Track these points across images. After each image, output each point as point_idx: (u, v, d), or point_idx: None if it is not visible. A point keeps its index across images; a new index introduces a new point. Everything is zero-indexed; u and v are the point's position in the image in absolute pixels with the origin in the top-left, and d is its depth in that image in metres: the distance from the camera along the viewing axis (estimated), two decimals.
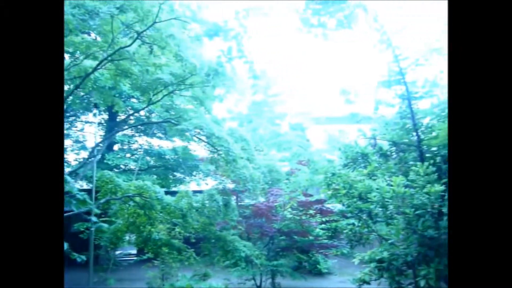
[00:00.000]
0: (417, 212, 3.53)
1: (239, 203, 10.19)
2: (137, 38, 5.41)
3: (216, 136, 5.99)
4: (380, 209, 4.22)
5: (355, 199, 4.52)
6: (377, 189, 3.98)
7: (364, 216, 4.67)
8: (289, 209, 8.80)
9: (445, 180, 3.74)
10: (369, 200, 4.11)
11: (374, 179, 4.38)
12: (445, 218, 3.68)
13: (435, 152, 4.06)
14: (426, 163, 3.56)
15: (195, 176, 14.34)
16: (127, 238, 10.47)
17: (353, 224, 5.03)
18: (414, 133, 4.36)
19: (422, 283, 3.52)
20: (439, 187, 3.27)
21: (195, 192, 8.65)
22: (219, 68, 3.82)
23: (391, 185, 3.62)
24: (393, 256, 4.10)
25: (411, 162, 4.33)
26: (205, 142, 6.64)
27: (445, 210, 3.47)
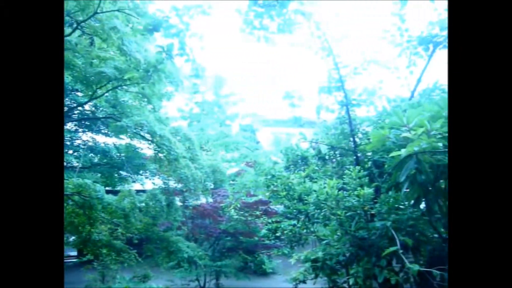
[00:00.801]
0: (348, 213, 3.69)
1: (186, 204, 10.04)
2: (76, 28, 5.13)
3: (158, 134, 5.85)
4: (317, 210, 4.36)
5: (295, 201, 4.63)
6: (314, 191, 4.11)
7: (303, 217, 4.79)
8: (234, 210, 8.82)
9: (376, 183, 3.95)
10: (307, 202, 4.23)
11: (315, 182, 4.52)
12: (375, 219, 3.88)
13: (369, 157, 4.28)
14: (358, 167, 3.74)
15: (141, 175, 13.88)
16: (65, 239, 9.89)
17: (294, 225, 5.16)
18: (351, 139, 4.55)
19: (351, 281, 3.69)
20: (368, 190, 3.45)
21: (139, 191, 8.39)
22: (158, 64, 3.74)
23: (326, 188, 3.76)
24: (327, 256, 4.26)
25: (347, 166, 4.52)
26: (148, 140, 6.45)
27: (374, 211, 3.66)
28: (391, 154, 3.02)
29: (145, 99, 7.13)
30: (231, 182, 9.68)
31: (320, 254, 4.37)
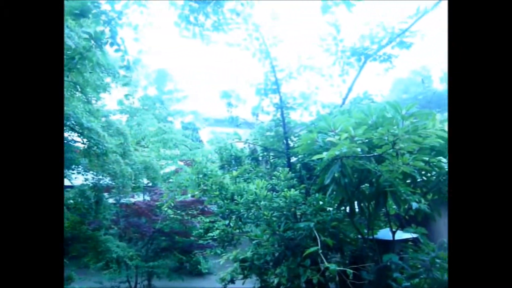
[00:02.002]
0: (275, 214, 3.76)
1: (120, 201, 9.59)
2: None
3: (86, 126, 5.52)
4: (249, 210, 4.38)
5: (227, 201, 4.62)
6: (245, 191, 4.13)
7: (234, 217, 4.80)
8: (169, 209, 8.59)
9: (303, 185, 4.07)
10: (238, 202, 4.24)
11: (249, 182, 4.54)
12: (302, 220, 4.00)
13: (300, 160, 4.41)
14: (287, 169, 3.84)
15: (73, 170, 13.02)
16: None
17: (226, 225, 5.14)
18: (285, 141, 4.65)
19: (276, 281, 3.76)
20: (295, 192, 3.55)
21: (67, 187, 7.85)
22: (85, 52, 3.50)
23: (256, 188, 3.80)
24: (256, 256, 4.30)
25: (280, 167, 4.62)
26: (78, 132, 6.07)
27: (300, 212, 3.77)
28: (314, 157, 3.13)
29: (78, 89, 6.70)
30: (170, 180, 9.43)
31: (249, 254, 4.41)
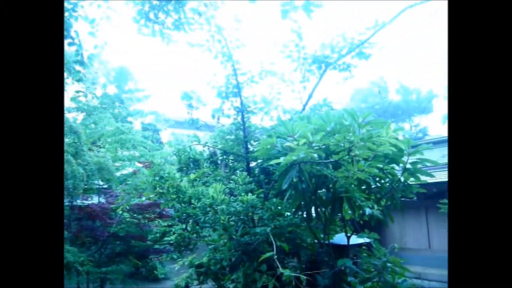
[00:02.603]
0: (232, 219, 3.72)
1: (73, 204, 9.10)
2: None
3: None
4: (206, 215, 4.30)
5: (185, 204, 4.51)
6: (203, 195, 4.05)
7: (191, 222, 4.70)
8: (125, 212, 8.27)
9: (262, 190, 4.06)
10: (196, 206, 4.15)
11: (207, 186, 4.46)
12: (259, 224, 3.98)
13: (259, 164, 4.40)
14: (245, 173, 3.81)
15: None
16: None
17: (183, 229, 5.02)
18: (244, 145, 4.63)
19: (231, 286, 3.71)
20: (251, 196, 3.52)
21: None
22: None
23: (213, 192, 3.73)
24: (212, 261, 4.22)
25: (239, 171, 4.58)
26: None
27: (256, 217, 3.75)
28: (271, 162, 3.13)
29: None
30: (127, 182, 9.09)
31: (205, 259, 4.32)
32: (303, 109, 5.07)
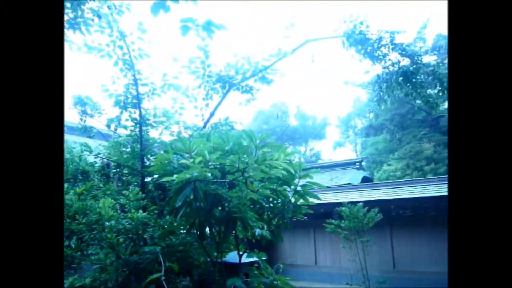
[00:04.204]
0: (119, 237, 3.48)
1: None
2: None
3: None
4: (92, 232, 3.94)
5: (69, 220, 4.07)
6: (90, 210, 3.72)
7: (75, 238, 4.25)
8: None
9: (154, 207, 3.89)
10: (81, 222, 3.78)
11: (96, 200, 4.10)
12: (150, 243, 3.78)
13: (154, 180, 4.23)
14: (137, 189, 3.62)
15: None
16: None
17: (66, 246, 4.50)
18: (140, 159, 4.41)
19: None
20: (142, 214, 3.35)
21: None
22: None
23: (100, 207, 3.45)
24: (97, 282, 3.85)
25: (132, 186, 4.33)
26: None
27: (147, 235, 3.57)
28: (164, 179, 3.04)
29: None
30: None
31: (88, 280, 3.92)
32: (204, 126, 5.08)
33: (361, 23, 6.70)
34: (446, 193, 10.35)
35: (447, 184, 11.38)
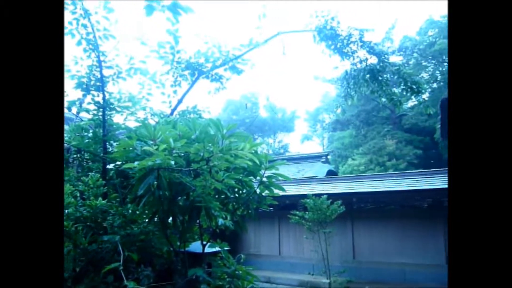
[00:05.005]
0: (77, 225, 3.35)
1: None
2: None
3: None
4: None
5: None
6: None
7: None
8: None
9: (116, 194, 3.77)
10: None
11: None
12: (110, 232, 3.68)
13: (117, 167, 4.09)
14: (97, 175, 3.49)
15: None
16: None
17: None
18: (103, 144, 4.25)
19: None
20: (101, 201, 3.24)
21: None
22: None
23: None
24: None
25: (92, 173, 4.16)
26: None
27: (106, 224, 3.46)
28: (125, 166, 2.95)
29: None
30: None
31: None
32: (171, 113, 4.96)
33: (332, 18, 6.77)
34: (405, 188, 10.81)
35: (406, 179, 11.85)
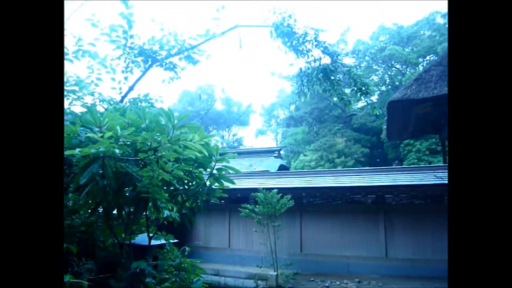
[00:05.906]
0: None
1: None
2: None
3: None
4: None
5: None
6: None
7: None
8: None
9: None
10: None
11: None
12: None
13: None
14: None
15: None
16: None
17: None
18: None
19: None
20: None
21: None
22: None
23: None
24: None
25: None
26: None
27: None
28: (66, 153, 2.80)
29: None
30: None
31: None
32: (121, 100, 4.77)
33: (290, 16, 6.88)
34: (352, 184, 11.31)
35: (353, 176, 12.37)
